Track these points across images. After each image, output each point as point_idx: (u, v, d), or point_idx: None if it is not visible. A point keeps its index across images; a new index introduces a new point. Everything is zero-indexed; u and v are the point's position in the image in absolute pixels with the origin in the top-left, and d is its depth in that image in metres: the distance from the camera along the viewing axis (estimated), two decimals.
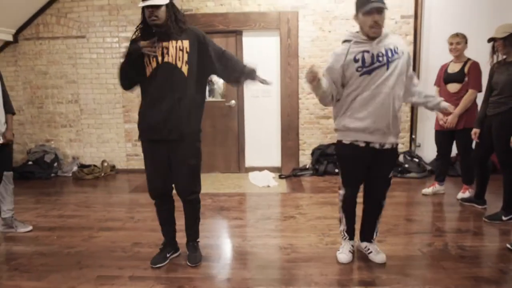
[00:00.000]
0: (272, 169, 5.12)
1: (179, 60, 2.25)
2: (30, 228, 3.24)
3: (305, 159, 5.19)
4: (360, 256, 2.56)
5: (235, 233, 3.09)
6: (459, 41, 3.59)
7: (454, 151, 3.87)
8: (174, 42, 2.25)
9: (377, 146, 2.26)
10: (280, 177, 4.94)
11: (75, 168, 5.26)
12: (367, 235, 2.54)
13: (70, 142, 5.46)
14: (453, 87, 3.64)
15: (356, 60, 2.17)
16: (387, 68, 2.15)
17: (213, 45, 2.35)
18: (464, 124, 3.60)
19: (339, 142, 2.38)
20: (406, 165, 4.79)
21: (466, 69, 3.58)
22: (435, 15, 4.82)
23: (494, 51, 3.21)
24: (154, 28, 2.24)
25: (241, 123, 5.19)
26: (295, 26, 4.86)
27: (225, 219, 3.42)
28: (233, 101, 5.14)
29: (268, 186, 4.52)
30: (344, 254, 2.50)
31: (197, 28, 2.42)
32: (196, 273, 2.43)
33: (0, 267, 2.57)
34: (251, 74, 2.40)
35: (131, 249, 2.79)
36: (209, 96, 5.23)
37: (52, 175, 5.23)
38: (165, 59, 2.24)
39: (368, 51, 2.16)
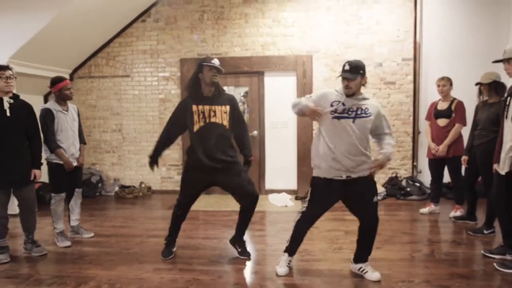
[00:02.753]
0: (289, 192, 5.79)
1: (224, 120, 3.11)
2: (92, 234, 3.99)
3: None
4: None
5: (259, 241, 3.76)
6: (444, 84, 4.30)
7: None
8: (220, 106, 3.10)
9: (344, 177, 2.66)
10: (296, 198, 5.60)
11: (116, 188, 6.05)
12: (362, 255, 2.85)
13: (112, 166, 6.28)
14: (442, 122, 4.32)
15: (331, 105, 2.65)
16: (353, 122, 2.64)
17: (239, 111, 3.27)
18: (453, 152, 4.25)
19: (314, 177, 2.81)
20: (408, 189, 5.41)
21: (453, 107, 4.27)
22: (431, 58, 5.56)
23: (480, 92, 3.90)
24: (208, 93, 3.10)
25: (262, 150, 5.93)
26: (309, 67, 5.67)
27: (252, 230, 4.09)
28: (255, 132, 5.91)
29: (286, 206, 5.20)
30: (282, 268, 2.90)
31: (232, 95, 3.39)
32: (231, 267, 3.11)
33: (78, 261, 3.30)
34: (246, 156, 3.29)
35: (176, 251, 3.49)
36: None
37: (97, 194, 6.01)
38: (212, 120, 3.08)
39: (344, 104, 2.64)
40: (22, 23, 4.66)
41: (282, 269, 2.91)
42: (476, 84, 3.85)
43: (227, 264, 3.20)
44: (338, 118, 2.65)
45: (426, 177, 5.59)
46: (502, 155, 3.01)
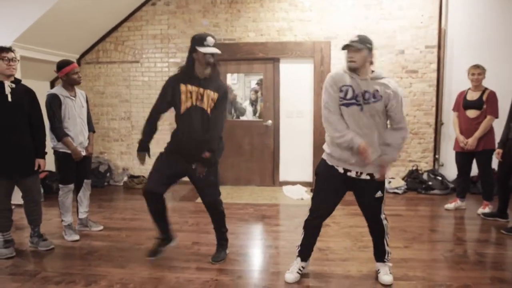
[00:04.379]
0: (304, 184, 5.57)
1: (209, 107, 2.74)
2: (102, 227, 3.80)
3: None
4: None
5: (278, 237, 3.56)
6: (480, 72, 4.02)
7: (474, 170, 4.25)
8: (208, 91, 2.72)
9: (353, 175, 2.44)
10: (312, 191, 5.37)
11: (125, 178, 5.86)
12: (377, 255, 2.67)
13: (121, 155, 6.08)
14: (472, 113, 4.05)
15: (341, 91, 2.38)
16: (361, 110, 2.36)
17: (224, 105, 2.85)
18: (483, 146, 3.99)
19: (322, 159, 2.55)
20: (430, 183, 5.16)
21: (484, 97, 4.00)
22: (457, 45, 5.26)
23: None
24: (201, 74, 2.71)
25: (276, 140, 5.69)
26: (327, 54, 5.39)
27: (268, 225, 3.90)
28: (269, 121, 5.67)
29: (302, 199, 4.98)
30: (291, 274, 2.62)
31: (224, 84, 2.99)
32: (250, 266, 2.91)
33: (87, 257, 3.11)
34: (210, 150, 2.78)
35: (192, 247, 3.29)
36: (253, 115, 5.81)
37: (105, 184, 5.83)
38: (198, 104, 2.72)
39: (352, 88, 2.35)
40: (27, 5, 4.42)
41: (290, 276, 2.62)
42: None
43: (245, 262, 3.00)
44: (347, 105, 2.38)
45: (448, 171, 5.35)
46: None
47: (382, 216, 2.58)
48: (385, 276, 2.57)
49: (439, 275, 2.71)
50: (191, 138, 2.74)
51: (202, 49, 2.64)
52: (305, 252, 2.68)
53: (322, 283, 2.62)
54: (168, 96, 2.80)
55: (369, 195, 2.51)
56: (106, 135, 6.07)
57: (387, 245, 2.64)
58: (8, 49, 2.98)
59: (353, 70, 2.37)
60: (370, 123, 2.38)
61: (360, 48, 2.33)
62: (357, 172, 2.45)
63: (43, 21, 4.52)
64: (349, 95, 2.36)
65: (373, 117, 2.38)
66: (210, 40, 2.66)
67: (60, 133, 3.35)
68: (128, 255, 3.12)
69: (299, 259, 2.68)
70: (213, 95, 2.75)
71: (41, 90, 3.27)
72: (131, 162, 6.05)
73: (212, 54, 2.68)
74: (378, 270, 2.64)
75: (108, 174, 5.89)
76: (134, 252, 3.19)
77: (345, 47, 2.39)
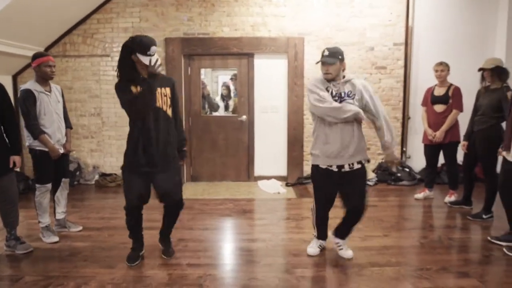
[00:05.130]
0: (278, 178, 5.68)
1: (164, 104, 2.69)
2: (81, 228, 3.69)
3: (308, 168, 5.74)
4: (372, 245, 3.14)
5: (263, 230, 3.62)
6: (443, 69, 4.28)
7: (440, 161, 4.54)
8: (159, 89, 2.65)
9: (347, 168, 2.71)
10: (287, 185, 5.50)
11: (97, 177, 5.68)
12: (342, 234, 2.95)
13: (91, 152, 5.88)
14: (439, 108, 4.31)
15: (327, 90, 2.70)
16: None
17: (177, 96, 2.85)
18: (449, 138, 4.27)
19: (313, 165, 2.85)
20: (399, 174, 5.44)
21: (450, 93, 4.27)
22: (423, 43, 5.54)
23: (482, 78, 3.86)
24: (145, 74, 2.57)
25: (251, 136, 5.74)
26: (301, 50, 5.49)
27: (251, 220, 3.96)
28: (244, 116, 5.70)
29: (279, 193, 5.07)
30: (312, 248, 2.99)
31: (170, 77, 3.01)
32: (241, 260, 2.96)
33: (71, 259, 3.02)
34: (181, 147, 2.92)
35: (178, 243, 3.27)
36: (224, 111, 5.80)
37: (75, 183, 5.61)
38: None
39: (331, 90, 2.70)
40: None
41: (312, 249, 3.00)
42: (479, 70, 3.83)
43: (236, 257, 3.05)
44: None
45: (415, 163, 5.66)
46: None
47: (366, 201, 2.83)
48: (348, 251, 2.95)
49: (419, 260, 2.92)
50: (158, 140, 2.66)
51: (145, 59, 2.51)
52: (322, 232, 3.03)
53: (312, 273, 2.73)
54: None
55: (360, 181, 2.81)
56: (75, 132, 5.80)
57: (355, 228, 2.96)
58: None
59: (330, 80, 2.72)
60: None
61: (332, 63, 2.65)
62: (350, 165, 2.71)
63: (7, 11, 4.26)
64: (333, 94, 2.71)
65: None
66: (153, 49, 2.53)
67: (35, 131, 3.20)
68: (114, 255, 3.06)
69: (316, 238, 3.06)
70: (165, 90, 2.72)
71: (4, 85, 3.07)
72: (102, 159, 5.87)
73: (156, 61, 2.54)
74: (339, 245, 2.96)
75: (78, 173, 5.68)
76: (120, 251, 3.13)
77: (321, 62, 2.69)
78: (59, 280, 2.64)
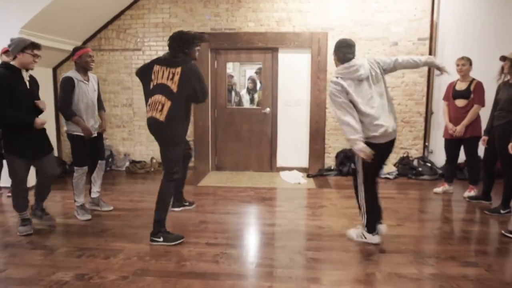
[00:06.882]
0: (300, 169, 5.82)
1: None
2: (112, 208, 4.00)
3: (329, 161, 5.88)
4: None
5: (281, 216, 3.80)
6: (464, 63, 4.27)
7: (461, 157, 4.53)
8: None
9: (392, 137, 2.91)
10: (308, 176, 5.63)
11: (127, 163, 6.03)
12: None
13: (123, 141, 6.24)
14: (460, 103, 4.31)
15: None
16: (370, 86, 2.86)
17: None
18: (470, 133, 4.27)
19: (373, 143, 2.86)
20: (420, 169, 5.46)
21: (472, 88, 4.26)
22: (448, 38, 5.50)
23: (502, 70, 3.83)
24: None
25: (274, 128, 5.91)
26: (324, 45, 5.59)
27: (270, 206, 4.14)
28: (268, 109, 5.87)
29: (299, 183, 5.22)
30: (375, 237, 3.05)
31: None
32: (257, 242, 3.15)
33: (101, 234, 3.31)
34: None
35: (199, 225, 3.51)
36: (250, 103, 6.01)
37: (108, 169, 5.99)
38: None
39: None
40: None
41: (376, 237, 3.06)
42: (501, 58, 3.77)
43: (252, 239, 3.24)
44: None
45: (437, 158, 5.65)
46: None
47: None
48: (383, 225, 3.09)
49: (428, 248, 2.99)
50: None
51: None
52: (373, 218, 3.07)
53: (322, 255, 2.88)
54: None
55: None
56: (108, 121, 6.20)
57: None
58: (40, 47, 3.20)
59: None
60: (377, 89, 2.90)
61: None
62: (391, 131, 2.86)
63: (49, 8, 4.63)
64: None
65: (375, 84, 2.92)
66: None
67: (68, 113, 3.51)
68: (141, 233, 3.32)
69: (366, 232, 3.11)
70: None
71: (44, 77, 3.43)
72: (133, 148, 6.22)
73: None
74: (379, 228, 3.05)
75: (110, 160, 6.06)
76: (146, 230, 3.36)
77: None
78: (91, 251, 2.93)
